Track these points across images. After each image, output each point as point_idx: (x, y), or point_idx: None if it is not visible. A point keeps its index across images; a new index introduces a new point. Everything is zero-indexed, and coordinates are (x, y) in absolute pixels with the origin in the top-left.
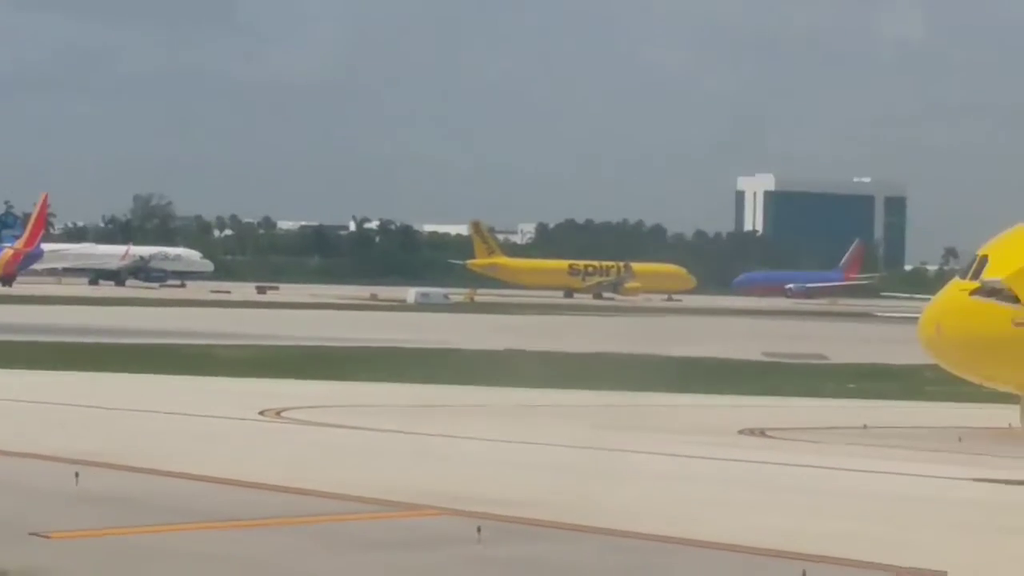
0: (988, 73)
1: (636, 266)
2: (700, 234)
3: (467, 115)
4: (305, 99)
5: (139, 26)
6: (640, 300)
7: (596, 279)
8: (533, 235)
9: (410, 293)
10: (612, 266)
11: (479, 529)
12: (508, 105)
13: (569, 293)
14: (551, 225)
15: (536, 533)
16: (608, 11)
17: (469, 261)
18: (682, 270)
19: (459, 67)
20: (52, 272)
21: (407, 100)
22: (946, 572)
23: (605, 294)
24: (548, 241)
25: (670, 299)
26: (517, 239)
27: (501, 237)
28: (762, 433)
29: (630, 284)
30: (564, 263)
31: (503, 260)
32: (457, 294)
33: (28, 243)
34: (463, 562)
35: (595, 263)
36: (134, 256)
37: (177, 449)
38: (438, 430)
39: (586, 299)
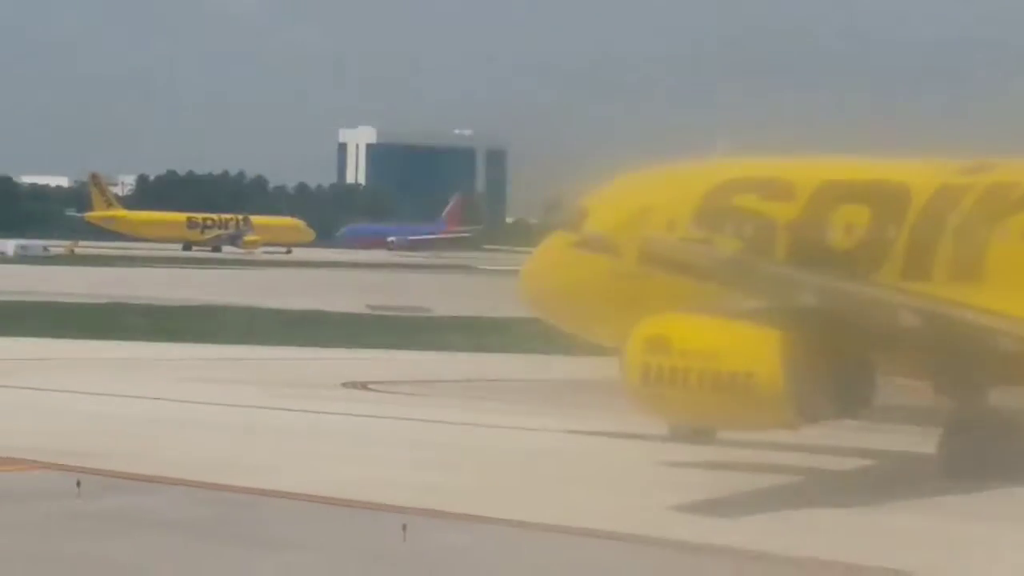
0: (588, 28)
1: (255, 219)
2: (302, 187)
3: (60, 64)
4: None
5: None
6: (253, 253)
7: (215, 232)
8: (134, 187)
9: (9, 245)
10: (231, 219)
11: (79, 483)
12: (103, 55)
13: (188, 246)
14: (152, 177)
15: (134, 487)
16: None
17: (87, 213)
18: (300, 222)
19: (47, 11)
20: None
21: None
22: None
23: (224, 247)
24: (149, 193)
25: (289, 252)
26: (118, 191)
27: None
28: (364, 386)
29: (249, 237)
30: (183, 216)
31: (122, 213)
32: (58, 247)
33: None
34: (61, 516)
35: (214, 216)
36: None
37: None
38: (36, 384)
39: (204, 252)
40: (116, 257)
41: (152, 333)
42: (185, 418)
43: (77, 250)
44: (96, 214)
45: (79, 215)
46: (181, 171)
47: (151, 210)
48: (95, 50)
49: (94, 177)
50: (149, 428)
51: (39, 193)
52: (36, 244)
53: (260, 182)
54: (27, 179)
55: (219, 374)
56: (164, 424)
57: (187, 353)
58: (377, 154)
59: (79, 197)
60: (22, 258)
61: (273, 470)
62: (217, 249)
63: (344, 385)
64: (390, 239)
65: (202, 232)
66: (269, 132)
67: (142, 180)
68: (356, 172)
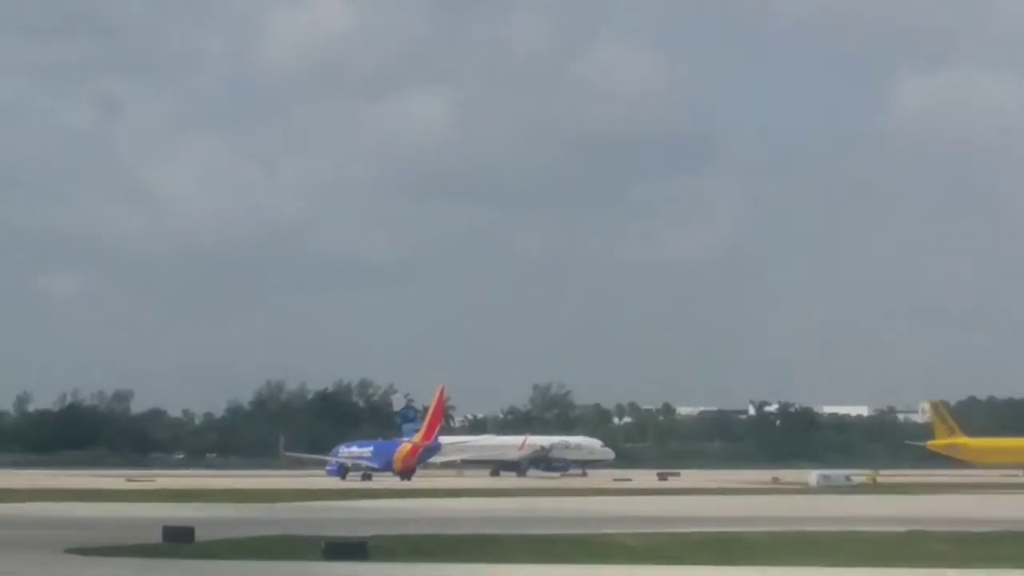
0: None
1: None
2: None
3: (864, 291)
4: (701, 280)
5: (528, 208)
6: None
7: None
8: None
9: (812, 476)
10: None
11: None
12: (908, 278)
13: None
14: (952, 403)
15: None
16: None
17: (929, 442)
18: None
19: (850, 240)
20: (451, 464)
21: (799, 278)
22: None
23: None
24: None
25: None
26: (917, 418)
27: (901, 417)
28: None
29: None
30: None
31: (964, 440)
32: (859, 476)
33: (426, 436)
34: None
35: None
36: (533, 446)
37: None
38: None
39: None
40: (919, 485)
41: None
42: None
43: (879, 479)
44: (939, 442)
45: (919, 444)
46: (981, 395)
47: (982, 437)
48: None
49: (935, 406)
50: None
51: (839, 423)
52: (838, 474)
53: None
54: (827, 409)
55: None
56: None
57: None
58: None
59: (879, 426)
60: (824, 488)
61: None
62: None
63: None
64: None
65: None
66: None
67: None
68: None
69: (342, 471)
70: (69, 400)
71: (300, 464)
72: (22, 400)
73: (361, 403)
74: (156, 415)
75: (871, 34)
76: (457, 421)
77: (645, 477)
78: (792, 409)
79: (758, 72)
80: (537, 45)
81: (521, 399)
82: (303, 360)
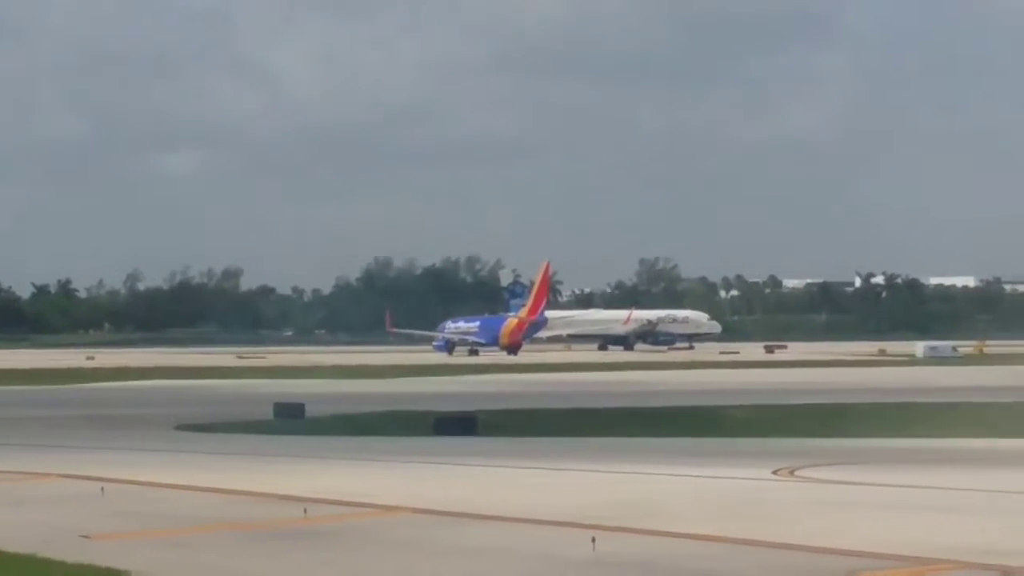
0: None
1: None
2: None
3: (970, 164)
4: (807, 155)
5: (637, 85)
6: None
7: None
8: None
9: (918, 347)
10: None
11: None
12: (1015, 152)
13: None
14: None
15: None
16: None
17: None
18: None
19: (966, 112)
20: (557, 339)
21: (908, 152)
22: None
23: None
24: None
25: None
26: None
27: (1007, 288)
28: None
29: None
30: None
31: None
32: (966, 347)
33: (531, 311)
34: None
35: None
36: (639, 320)
37: (691, 510)
38: (957, 483)
39: None
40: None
41: None
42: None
43: (985, 349)
44: None
45: None
46: None
47: None
48: None
49: None
50: None
51: (945, 293)
52: (945, 345)
53: None
54: (933, 280)
55: None
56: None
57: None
58: None
59: (985, 297)
60: (931, 359)
61: None
62: None
63: None
64: None
65: None
66: None
67: None
68: None
69: (449, 346)
70: (179, 278)
71: (408, 340)
72: (132, 278)
73: (468, 279)
74: (265, 292)
75: None
76: (564, 296)
77: (752, 350)
78: (898, 280)
79: None
80: None
81: (627, 273)
82: (411, 237)
